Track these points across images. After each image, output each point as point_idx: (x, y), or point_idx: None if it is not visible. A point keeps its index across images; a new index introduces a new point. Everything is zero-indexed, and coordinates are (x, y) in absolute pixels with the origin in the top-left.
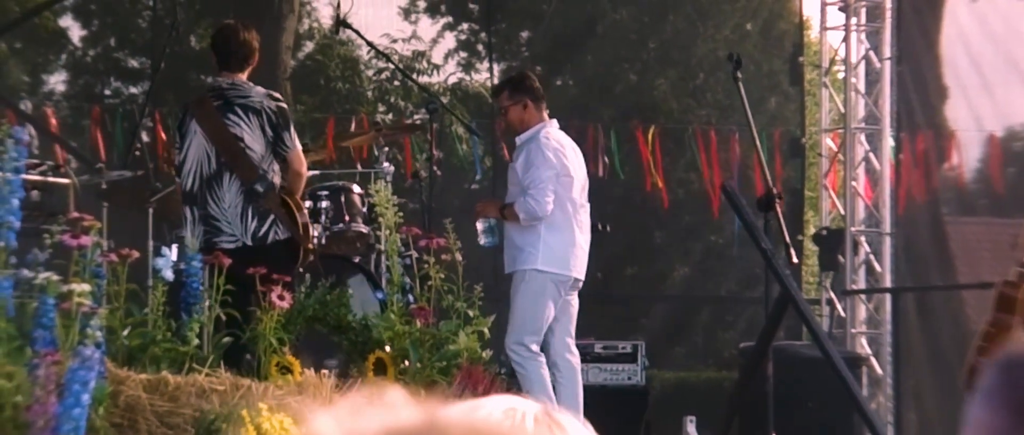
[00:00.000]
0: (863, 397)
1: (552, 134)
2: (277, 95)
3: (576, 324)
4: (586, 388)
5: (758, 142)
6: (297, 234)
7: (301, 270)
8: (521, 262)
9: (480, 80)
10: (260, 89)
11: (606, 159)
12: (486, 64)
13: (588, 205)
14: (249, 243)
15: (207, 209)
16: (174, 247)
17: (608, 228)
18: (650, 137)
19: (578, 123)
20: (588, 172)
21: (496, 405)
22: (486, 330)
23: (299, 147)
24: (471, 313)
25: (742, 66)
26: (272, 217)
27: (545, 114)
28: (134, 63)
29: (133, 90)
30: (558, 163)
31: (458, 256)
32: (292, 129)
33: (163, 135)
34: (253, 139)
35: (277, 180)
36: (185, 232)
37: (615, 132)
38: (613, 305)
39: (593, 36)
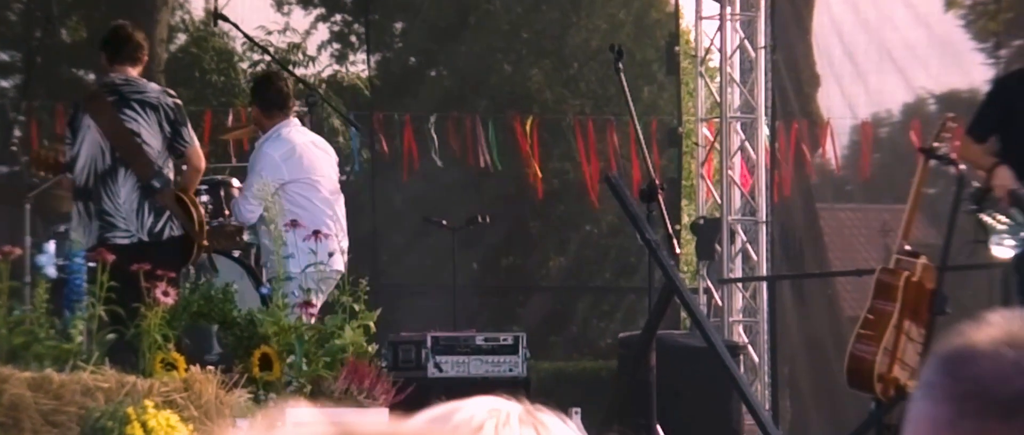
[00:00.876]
0: (747, 385)
1: (289, 135)
2: (172, 91)
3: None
4: (468, 380)
5: (639, 133)
6: (192, 230)
7: (191, 267)
8: (271, 268)
9: (355, 71)
10: (155, 85)
11: (485, 150)
12: (361, 55)
13: (342, 196)
14: (145, 239)
15: (102, 205)
16: (53, 243)
17: (488, 219)
18: (528, 127)
19: (456, 114)
20: (467, 164)
21: (479, 406)
22: (372, 324)
23: (197, 143)
24: (357, 307)
25: (623, 57)
26: (167, 213)
27: (288, 115)
28: (3, 57)
29: (3, 83)
30: (287, 168)
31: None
32: (189, 125)
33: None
34: (151, 135)
35: (172, 176)
36: (71, 228)
37: (493, 123)
38: (490, 296)
39: (466, 27)
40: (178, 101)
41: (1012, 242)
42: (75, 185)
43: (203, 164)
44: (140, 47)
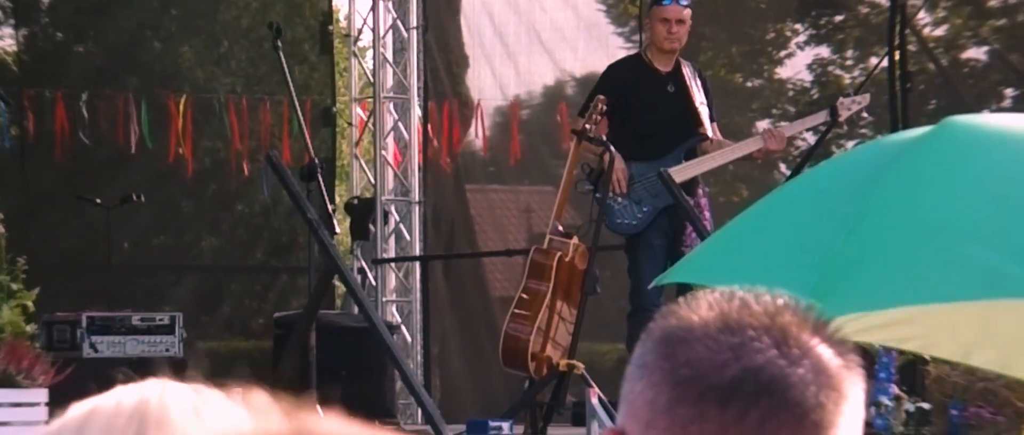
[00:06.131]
0: (407, 363)
1: None
2: None
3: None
4: (125, 360)
5: (300, 112)
6: None
7: None
8: None
9: (2, 46)
10: None
11: (136, 129)
12: (8, 30)
13: None
14: None
15: None
16: None
17: (142, 198)
18: (182, 106)
19: (108, 92)
20: (118, 144)
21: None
22: (30, 304)
23: None
24: (15, 286)
25: (282, 35)
26: None
27: None
28: None
29: None
30: None
31: (0, 228)
32: None
33: None
34: None
35: None
36: None
37: (146, 101)
38: (142, 276)
39: (116, 2)
40: None
41: (630, 222)
42: None
43: None
44: None
